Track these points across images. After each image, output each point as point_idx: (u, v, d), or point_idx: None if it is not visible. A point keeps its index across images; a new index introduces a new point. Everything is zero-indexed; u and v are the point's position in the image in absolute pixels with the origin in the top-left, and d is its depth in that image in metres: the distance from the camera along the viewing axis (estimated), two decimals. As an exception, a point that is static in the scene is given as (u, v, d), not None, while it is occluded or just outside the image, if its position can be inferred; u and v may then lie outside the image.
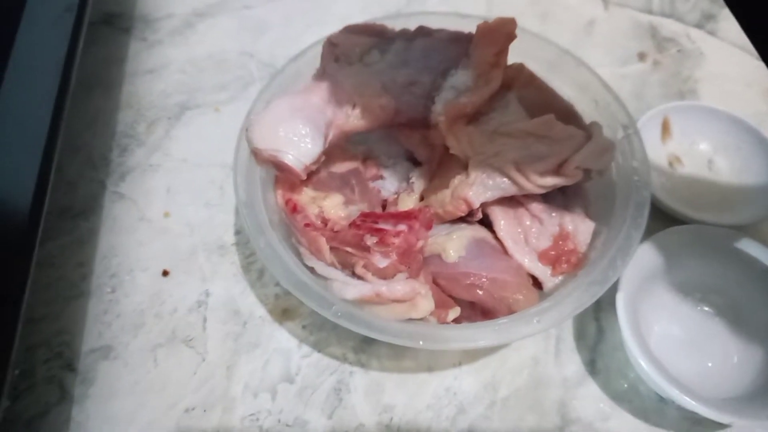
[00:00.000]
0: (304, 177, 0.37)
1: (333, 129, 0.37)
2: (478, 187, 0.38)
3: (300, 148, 0.35)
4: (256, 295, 0.43)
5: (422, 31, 0.42)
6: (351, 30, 0.43)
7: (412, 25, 0.43)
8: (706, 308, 0.42)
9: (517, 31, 0.40)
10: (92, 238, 0.46)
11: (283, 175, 0.37)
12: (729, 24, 0.60)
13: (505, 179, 0.37)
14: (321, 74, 0.40)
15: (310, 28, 0.59)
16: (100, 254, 0.45)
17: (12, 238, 0.35)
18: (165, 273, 0.44)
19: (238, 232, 0.46)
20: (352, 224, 0.36)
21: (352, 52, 0.40)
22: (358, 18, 0.60)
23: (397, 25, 0.44)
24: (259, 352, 0.41)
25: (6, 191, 0.36)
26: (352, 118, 0.38)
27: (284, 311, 0.43)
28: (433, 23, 0.43)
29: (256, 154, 0.36)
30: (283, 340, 0.42)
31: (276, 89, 0.43)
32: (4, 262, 0.34)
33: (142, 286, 0.44)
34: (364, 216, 0.36)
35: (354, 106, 0.38)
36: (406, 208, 0.41)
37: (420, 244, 0.35)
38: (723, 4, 0.62)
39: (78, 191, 0.48)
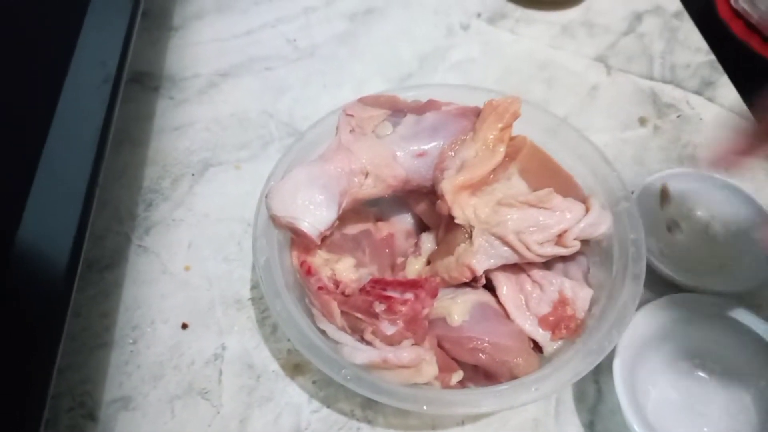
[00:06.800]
0: (319, 243, 0.39)
1: (347, 197, 0.40)
2: (481, 255, 0.40)
3: (315, 215, 0.38)
4: (270, 350, 0.46)
5: (432, 105, 0.45)
6: (365, 102, 0.46)
7: (423, 96, 0.46)
8: (703, 374, 0.43)
9: (525, 102, 0.43)
10: (116, 290, 0.49)
11: (299, 240, 0.40)
12: (727, 90, 0.63)
13: (506, 248, 0.39)
14: (337, 144, 0.42)
15: (327, 89, 0.63)
16: (123, 306, 0.48)
17: (50, 292, 0.37)
18: (184, 326, 0.47)
19: (254, 287, 0.49)
20: (362, 290, 0.38)
21: (366, 124, 0.43)
22: (373, 79, 0.64)
23: (409, 97, 0.47)
24: (271, 405, 0.43)
25: (46, 246, 0.39)
26: (365, 187, 0.41)
27: (296, 366, 0.45)
28: (445, 94, 0.47)
29: (274, 220, 0.39)
30: (294, 394, 0.44)
31: (295, 155, 0.46)
32: (43, 315, 0.37)
33: (162, 338, 0.46)
34: (374, 282, 0.39)
35: (367, 175, 0.41)
36: (413, 271, 0.43)
37: (425, 312, 0.37)
38: (722, 71, 0.65)
39: (105, 244, 0.51)
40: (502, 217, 0.40)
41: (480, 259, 0.40)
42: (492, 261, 0.40)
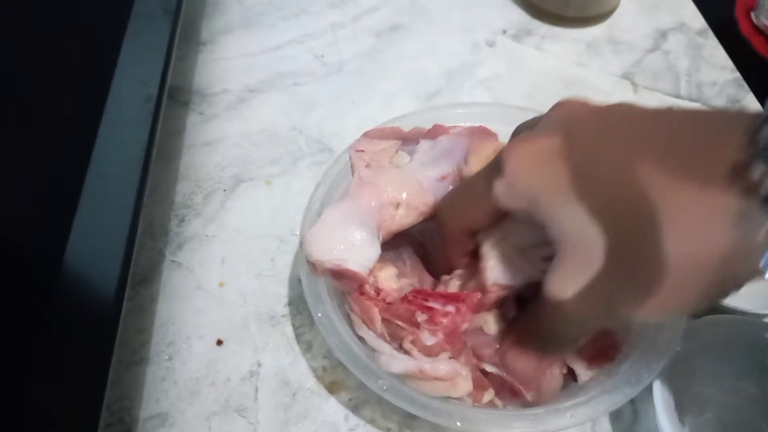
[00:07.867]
0: (369, 281, 0.39)
1: (382, 230, 0.40)
2: (489, 271, 0.39)
3: (362, 253, 0.38)
4: (305, 367, 0.46)
5: (439, 130, 0.45)
6: (372, 136, 0.46)
7: (442, 119, 0.47)
8: (741, 397, 0.43)
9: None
10: (151, 306, 0.49)
11: (344, 282, 0.39)
12: (753, 108, 0.63)
13: (513, 264, 0.39)
14: (358, 180, 0.42)
15: (356, 105, 0.63)
16: (158, 321, 0.48)
17: (101, 311, 0.38)
18: (219, 342, 0.47)
19: (288, 304, 0.49)
20: (405, 299, 0.39)
21: (381, 157, 0.44)
22: (401, 96, 0.65)
23: (442, 117, 0.47)
24: (307, 423, 0.43)
25: (94, 266, 0.39)
26: (398, 217, 0.41)
27: (332, 383, 0.45)
28: (479, 113, 0.47)
29: (315, 265, 0.38)
30: (330, 412, 0.44)
31: (334, 177, 0.46)
32: (95, 332, 0.37)
33: (198, 354, 0.46)
34: (416, 292, 0.39)
35: (398, 206, 0.41)
36: (447, 288, 0.44)
37: (465, 326, 0.38)
38: (748, 89, 0.65)
39: (139, 259, 0.51)
40: (505, 231, 0.39)
41: (489, 275, 0.39)
42: (500, 277, 0.39)
